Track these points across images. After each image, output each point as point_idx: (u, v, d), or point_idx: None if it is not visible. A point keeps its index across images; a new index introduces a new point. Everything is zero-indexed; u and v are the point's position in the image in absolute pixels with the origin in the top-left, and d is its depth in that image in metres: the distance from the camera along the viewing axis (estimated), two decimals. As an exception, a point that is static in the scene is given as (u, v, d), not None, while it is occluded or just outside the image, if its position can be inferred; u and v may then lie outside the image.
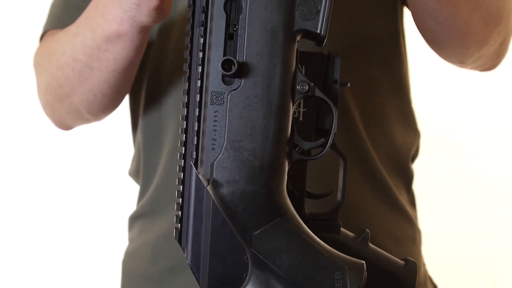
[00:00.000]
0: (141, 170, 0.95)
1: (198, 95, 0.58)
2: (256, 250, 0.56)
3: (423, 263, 0.95)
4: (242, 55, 0.55)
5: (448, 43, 0.80)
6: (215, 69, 0.56)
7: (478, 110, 1.74)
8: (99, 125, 1.01)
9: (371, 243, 0.67)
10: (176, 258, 0.89)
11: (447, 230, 1.66)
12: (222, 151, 0.56)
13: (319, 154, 0.58)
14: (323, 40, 0.56)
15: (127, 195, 1.23)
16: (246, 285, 0.57)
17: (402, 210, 0.93)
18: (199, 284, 0.62)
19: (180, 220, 0.63)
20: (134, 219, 0.97)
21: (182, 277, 0.89)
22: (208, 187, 0.57)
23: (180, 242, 0.63)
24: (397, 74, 0.92)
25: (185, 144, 0.62)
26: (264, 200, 0.55)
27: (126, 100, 0.94)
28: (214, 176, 0.56)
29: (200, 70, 0.59)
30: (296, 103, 0.58)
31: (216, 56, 0.56)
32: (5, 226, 1.69)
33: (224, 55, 0.56)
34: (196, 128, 0.59)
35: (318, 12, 0.55)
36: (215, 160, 0.56)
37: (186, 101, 0.62)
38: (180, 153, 0.63)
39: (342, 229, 0.66)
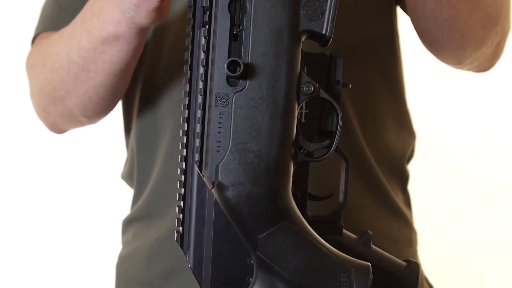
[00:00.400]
0: (135, 174, 0.94)
1: (202, 97, 0.57)
2: (261, 253, 0.56)
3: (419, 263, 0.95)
4: (247, 56, 0.55)
5: (447, 45, 0.80)
6: (219, 70, 0.55)
7: (473, 112, 1.75)
8: (91, 128, 1.00)
9: (369, 244, 0.67)
10: (172, 262, 0.88)
11: (437, 230, 1.67)
12: (227, 153, 0.55)
13: (324, 155, 0.58)
14: (328, 41, 0.56)
15: (120, 199, 1.23)
16: (251, 288, 0.57)
17: (398, 211, 0.93)
18: (201, 288, 0.61)
19: (181, 223, 0.62)
20: (128, 223, 0.96)
21: (178, 281, 0.88)
22: (213, 190, 0.56)
23: (182, 245, 0.62)
24: (392, 76, 0.92)
25: (186, 146, 0.61)
26: (270, 202, 0.55)
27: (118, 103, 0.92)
28: (219, 178, 0.55)
29: (202, 71, 0.59)
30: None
31: (220, 57, 0.55)
32: (-2, 229, 1.68)
33: (228, 56, 0.55)
34: (198, 130, 0.58)
35: (323, 12, 0.55)
36: (220, 162, 0.55)
37: (187, 103, 0.61)
38: (182, 156, 0.62)
39: (344, 230, 0.66)
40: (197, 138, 0.58)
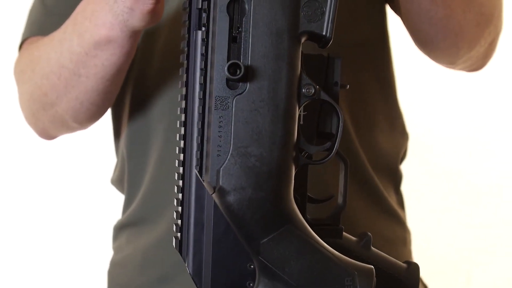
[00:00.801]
0: (126, 178, 0.93)
1: (201, 100, 0.56)
2: (264, 258, 0.55)
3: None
4: (247, 58, 0.54)
5: (441, 44, 0.79)
6: (219, 73, 0.54)
7: (465, 112, 1.76)
8: (80, 133, 0.98)
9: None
10: (166, 268, 0.88)
11: (430, 230, 1.67)
12: (228, 157, 0.54)
13: (324, 158, 0.57)
14: (328, 42, 0.55)
15: (110, 204, 1.21)
16: (254, 294, 0.56)
17: (392, 211, 0.93)
18: (202, 294, 0.60)
19: (180, 229, 0.61)
20: (120, 228, 0.95)
21: (172, 286, 0.87)
22: (213, 195, 0.55)
23: (180, 251, 0.61)
24: (384, 76, 0.92)
25: (183, 150, 0.60)
26: (272, 206, 0.54)
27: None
28: (221, 183, 0.54)
29: (198, 74, 0.58)
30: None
31: (220, 60, 0.54)
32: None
33: (228, 59, 0.54)
34: (197, 135, 0.57)
35: (323, 13, 0.54)
36: (221, 167, 0.54)
37: (184, 106, 0.60)
38: (179, 160, 0.61)
39: (344, 233, 0.66)
40: (197, 142, 0.57)
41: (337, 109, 0.57)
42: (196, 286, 0.61)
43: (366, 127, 0.90)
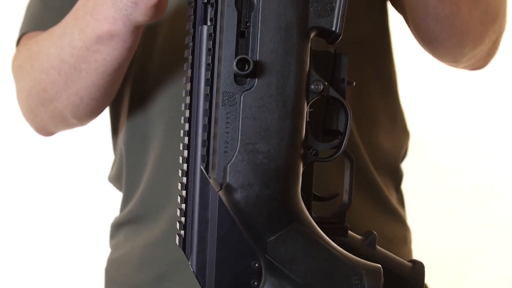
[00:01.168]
0: (124, 176, 0.92)
1: (208, 96, 0.55)
2: (271, 257, 0.54)
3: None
4: (255, 53, 0.53)
5: (446, 42, 0.79)
6: (227, 68, 0.53)
7: (466, 111, 1.75)
8: (77, 130, 0.97)
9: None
10: (164, 266, 0.87)
11: (430, 229, 1.67)
12: (236, 154, 0.53)
13: (332, 155, 0.56)
14: (338, 38, 0.55)
15: (107, 201, 1.20)
16: (260, 292, 0.55)
17: (393, 210, 0.93)
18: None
19: (184, 226, 0.60)
20: (118, 226, 0.94)
21: (170, 285, 0.86)
22: (220, 192, 0.54)
23: (184, 249, 0.60)
24: (385, 75, 0.92)
25: (188, 147, 0.60)
26: (280, 204, 0.53)
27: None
28: (228, 180, 0.53)
29: (204, 70, 0.57)
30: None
31: (228, 55, 0.53)
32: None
33: (236, 54, 0.53)
34: (202, 131, 0.57)
35: (332, 9, 0.54)
36: (228, 163, 0.54)
37: (188, 102, 0.59)
38: (183, 157, 0.60)
39: (349, 231, 0.65)
40: (203, 138, 0.56)
41: (346, 106, 0.56)
42: (200, 284, 0.60)
43: (367, 125, 0.89)
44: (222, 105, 0.54)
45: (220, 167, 0.54)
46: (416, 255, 0.99)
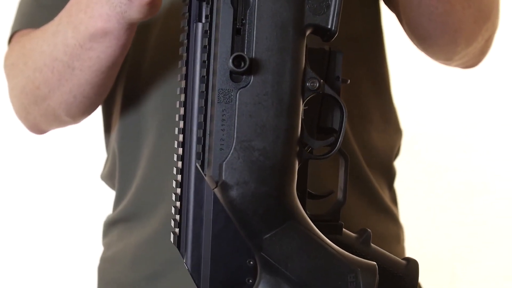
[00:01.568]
0: (117, 174, 0.92)
1: (203, 94, 0.55)
2: (266, 254, 0.54)
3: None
4: (251, 51, 0.53)
5: (440, 40, 0.79)
6: (222, 65, 0.53)
7: (459, 109, 1.76)
8: (69, 128, 0.97)
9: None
10: (157, 265, 0.86)
11: (423, 227, 1.68)
12: (231, 151, 0.53)
13: (328, 153, 0.56)
14: (333, 35, 0.54)
15: (99, 200, 1.20)
16: (255, 290, 0.55)
17: (386, 208, 0.93)
18: (200, 291, 0.59)
19: (178, 224, 0.60)
20: (111, 224, 0.94)
21: (164, 283, 0.86)
22: (215, 190, 0.54)
23: (179, 247, 0.60)
24: (378, 73, 0.92)
25: (183, 145, 0.59)
26: (276, 201, 0.53)
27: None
28: (223, 177, 0.53)
29: (199, 67, 0.57)
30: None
31: (223, 53, 0.53)
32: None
33: (232, 51, 0.53)
34: (197, 128, 0.56)
35: (328, 6, 0.54)
36: (224, 161, 0.53)
37: (183, 100, 0.59)
38: (178, 155, 0.60)
39: (343, 229, 0.65)
40: (198, 136, 0.56)
41: (341, 104, 0.56)
42: (195, 282, 0.60)
43: (360, 123, 0.89)
44: (218, 102, 0.54)
45: (215, 165, 0.54)
46: (409, 253, 0.99)
